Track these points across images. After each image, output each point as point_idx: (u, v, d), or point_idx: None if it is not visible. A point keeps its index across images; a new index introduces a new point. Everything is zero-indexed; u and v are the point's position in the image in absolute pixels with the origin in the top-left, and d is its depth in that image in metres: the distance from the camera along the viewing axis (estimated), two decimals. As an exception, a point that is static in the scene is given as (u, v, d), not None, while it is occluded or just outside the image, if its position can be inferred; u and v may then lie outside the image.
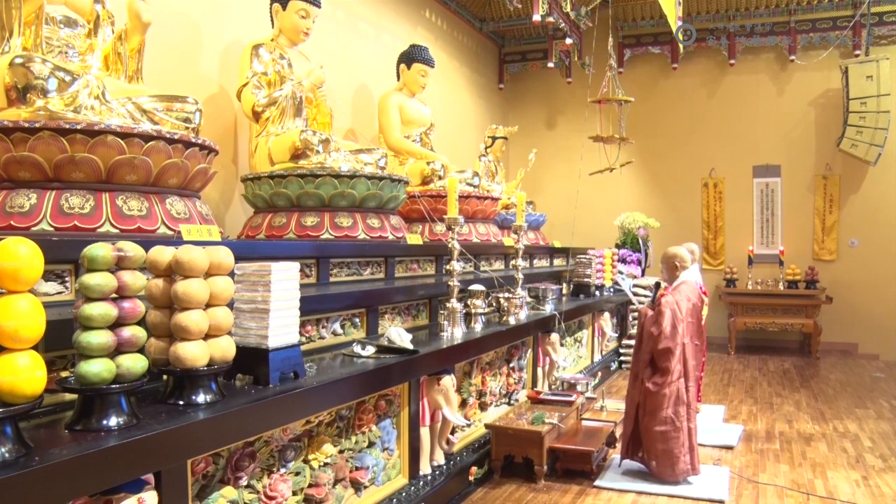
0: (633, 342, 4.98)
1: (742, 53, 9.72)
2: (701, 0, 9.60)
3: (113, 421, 1.95)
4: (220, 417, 2.16)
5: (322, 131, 4.93)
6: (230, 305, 2.43)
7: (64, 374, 2.26)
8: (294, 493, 2.66)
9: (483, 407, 4.55)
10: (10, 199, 2.86)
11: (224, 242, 3.13)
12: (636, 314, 4.72)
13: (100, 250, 2.02)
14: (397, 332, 3.50)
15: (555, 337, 5.45)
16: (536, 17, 7.39)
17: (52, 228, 2.83)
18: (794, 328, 9.06)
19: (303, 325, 3.22)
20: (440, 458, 3.83)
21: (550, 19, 7.81)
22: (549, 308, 5.67)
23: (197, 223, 3.29)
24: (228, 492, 2.32)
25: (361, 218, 4.64)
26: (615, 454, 4.64)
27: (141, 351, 2.10)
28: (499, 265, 6.50)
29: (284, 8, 5.04)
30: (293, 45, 5.16)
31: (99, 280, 1.98)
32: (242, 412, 2.26)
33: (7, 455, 1.65)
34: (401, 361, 3.25)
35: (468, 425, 4.28)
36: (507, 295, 4.87)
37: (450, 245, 4.24)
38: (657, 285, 4.43)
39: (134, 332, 2.05)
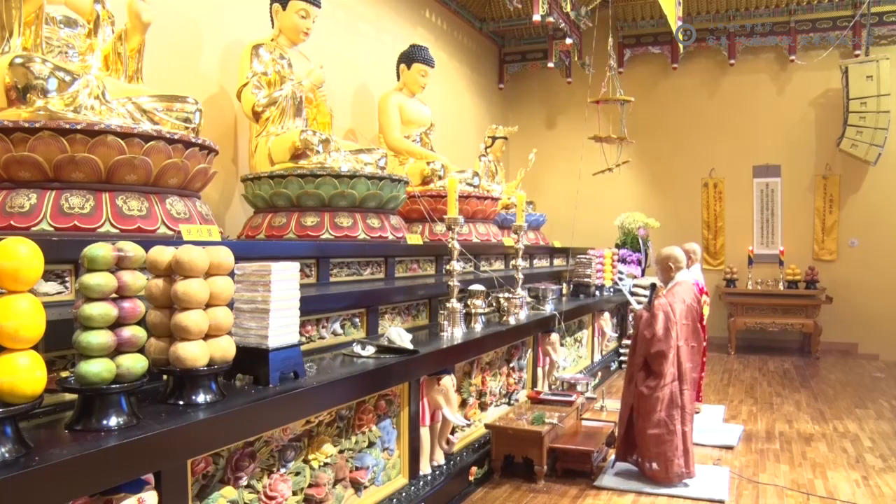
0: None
1: (742, 53, 9.72)
2: (701, 0, 9.61)
3: (113, 421, 1.95)
4: (220, 417, 2.16)
5: (322, 131, 4.94)
6: (230, 305, 2.43)
7: (64, 374, 2.27)
8: (294, 493, 2.66)
9: (483, 407, 4.55)
10: (10, 199, 2.86)
11: (224, 242, 3.13)
12: (634, 315, 4.70)
13: (100, 250, 2.02)
14: (397, 332, 3.50)
15: (555, 337, 5.45)
16: (536, 17, 7.39)
17: (52, 228, 2.83)
18: (794, 328, 9.06)
19: (303, 325, 3.22)
20: (440, 458, 3.83)
21: (550, 19, 7.81)
22: (549, 308, 5.67)
23: (197, 223, 3.29)
24: (228, 492, 2.32)
25: (361, 218, 4.64)
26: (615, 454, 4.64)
27: (141, 351, 2.10)
28: (499, 265, 6.50)
29: (284, 8, 5.04)
30: (293, 45, 5.16)
31: (99, 280, 1.98)
32: (242, 412, 2.26)
33: (7, 455, 1.65)
34: (401, 361, 3.25)
35: (468, 425, 4.28)
36: (507, 295, 4.87)
37: (450, 245, 4.24)
38: (653, 287, 4.42)
39: (134, 332, 2.06)
